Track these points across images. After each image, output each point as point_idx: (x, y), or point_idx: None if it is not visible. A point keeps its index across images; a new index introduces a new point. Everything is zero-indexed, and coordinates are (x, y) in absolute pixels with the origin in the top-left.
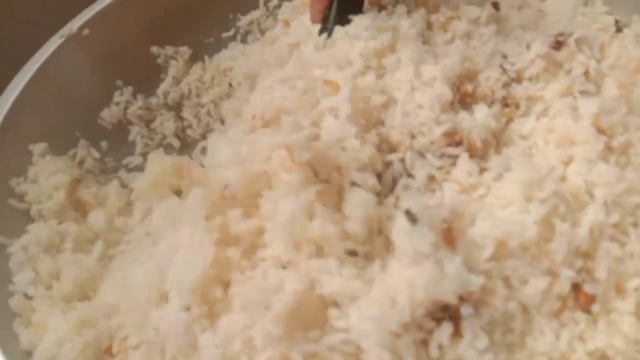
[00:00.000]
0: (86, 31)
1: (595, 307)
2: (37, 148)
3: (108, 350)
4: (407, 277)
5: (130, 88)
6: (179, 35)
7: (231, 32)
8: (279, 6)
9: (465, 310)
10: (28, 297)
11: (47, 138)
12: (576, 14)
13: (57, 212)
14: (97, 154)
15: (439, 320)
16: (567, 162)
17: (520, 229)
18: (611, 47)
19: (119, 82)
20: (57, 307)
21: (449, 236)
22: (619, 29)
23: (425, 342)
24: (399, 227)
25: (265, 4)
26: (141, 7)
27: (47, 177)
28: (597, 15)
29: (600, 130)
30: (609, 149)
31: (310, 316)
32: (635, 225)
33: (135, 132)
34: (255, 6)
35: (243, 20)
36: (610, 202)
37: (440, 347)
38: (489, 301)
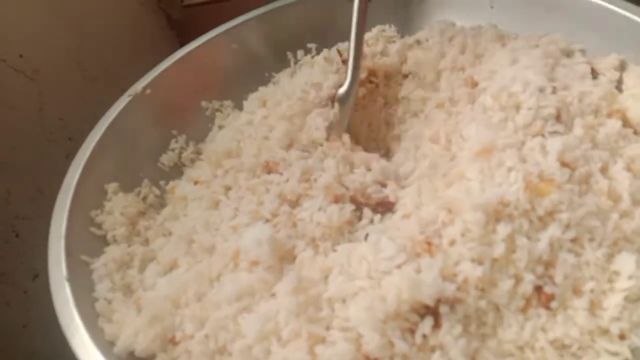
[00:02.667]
0: (148, 91)
1: (555, 304)
2: (111, 187)
3: (172, 340)
4: (394, 282)
5: (184, 136)
6: (224, 90)
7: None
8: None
9: (443, 308)
10: (109, 301)
11: (118, 179)
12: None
13: (127, 237)
14: (157, 192)
15: (422, 315)
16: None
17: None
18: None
19: (175, 132)
20: (131, 308)
21: (428, 245)
22: (595, 76)
23: (411, 331)
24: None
25: (296, 62)
26: (192, 70)
27: (119, 210)
28: (576, 64)
29: (565, 164)
30: (572, 179)
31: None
32: (591, 240)
33: None
34: (287, 64)
35: (277, 77)
36: (572, 224)
37: (424, 335)
38: (464, 300)
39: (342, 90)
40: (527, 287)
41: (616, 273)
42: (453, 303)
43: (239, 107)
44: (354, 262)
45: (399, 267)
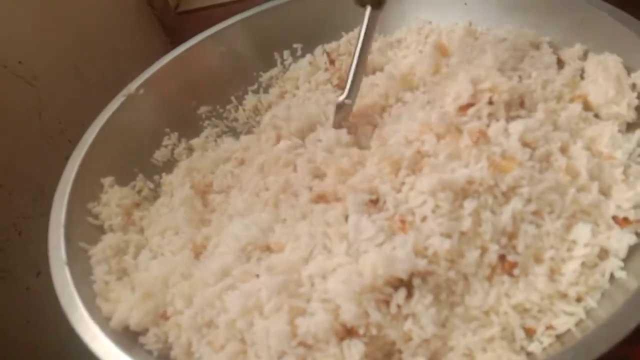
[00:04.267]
0: (141, 91)
1: (517, 272)
2: (107, 181)
3: (164, 315)
4: (371, 259)
5: (176, 133)
6: (213, 90)
7: (255, 86)
8: (295, 61)
9: (416, 281)
10: (106, 282)
11: (114, 173)
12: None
13: (122, 226)
14: (151, 185)
15: (396, 288)
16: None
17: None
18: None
19: (167, 130)
20: (126, 288)
21: (401, 223)
22: (561, 66)
23: (386, 302)
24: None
25: (282, 62)
26: (183, 71)
27: (114, 201)
28: (543, 55)
29: (526, 144)
30: (532, 157)
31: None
32: (550, 212)
33: None
34: (273, 65)
35: (264, 77)
36: (533, 198)
37: (398, 305)
38: (434, 272)
39: (341, 98)
40: (492, 257)
41: (574, 242)
42: (425, 275)
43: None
44: (335, 242)
45: (378, 246)
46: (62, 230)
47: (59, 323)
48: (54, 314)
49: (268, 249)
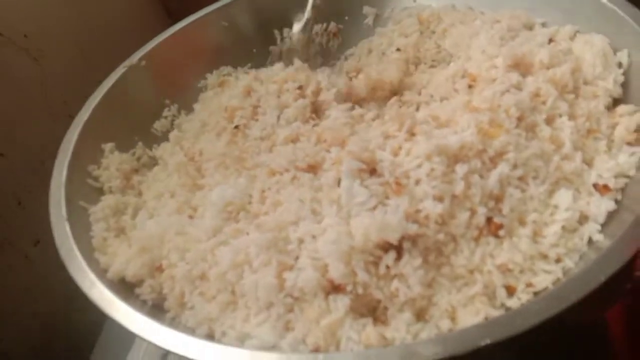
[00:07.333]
0: (143, 62)
1: (502, 233)
2: (107, 146)
3: (159, 268)
4: (363, 223)
5: (176, 105)
6: (212, 63)
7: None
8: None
9: (406, 244)
10: (104, 239)
11: (115, 140)
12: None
13: (121, 189)
14: (150, 154)
15: (386, 250)
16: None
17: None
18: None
19: (167, 101)
20: (123, 244)
21: (397, 186)
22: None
23: (375, 264)
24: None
25: (282, 40)
26: (185, 44)
27: (114, 165)
28: (535, 36)
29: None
30: (519, 126)
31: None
32: (535, 178)
33: None
34: (273, 42)
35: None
36: (519, 164)
37: (387, 267)
38: (424, 234)
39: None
40: (480, 219)
41: (555, 207)
42: (415, 239)
43: None
44: (325, 206)
45: (370, 210)
46: (63, 189)
47: (57, 291)
48: (53, 282)
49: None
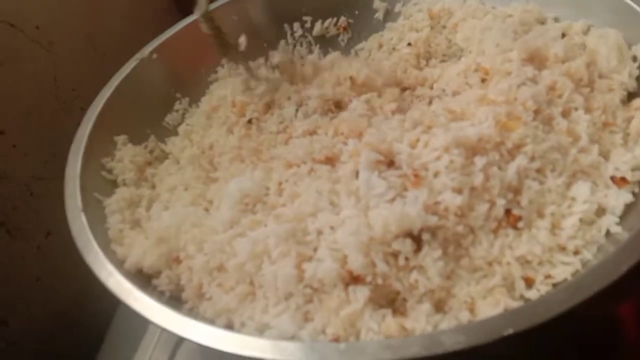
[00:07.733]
0: (154, 55)
1: (521, 225)
2: (120, 139)
3: (177, 259)
4: (382, 215)
5: (187, 99)
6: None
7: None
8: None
9: (425, 235)
10: (120, 230)
11: (127, 132)
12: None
13: (135, 181)
14: (163, 147)
15: (404, 242)
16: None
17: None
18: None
19: (179, 95)
20: (140, 235)
21: (415, 178)
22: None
23: (394, 255)
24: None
25: (292, 34)
26: (195, 38)
27: (128, 158)
28: (547, 30)
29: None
30: (536, 119)
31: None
32: (553, 170)
33: None
34: (284, 36)
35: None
36: (537, 156)
37: (406, 258)
38: (444, 226)
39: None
40: (499, 211)
41: (573, 199)
42: (434, 230)
43: None
44: (343, 198)
45: (389, 202)
46: (77, 180)
47: (68, 281)
48: (63, 272)
49: (273, 208)
